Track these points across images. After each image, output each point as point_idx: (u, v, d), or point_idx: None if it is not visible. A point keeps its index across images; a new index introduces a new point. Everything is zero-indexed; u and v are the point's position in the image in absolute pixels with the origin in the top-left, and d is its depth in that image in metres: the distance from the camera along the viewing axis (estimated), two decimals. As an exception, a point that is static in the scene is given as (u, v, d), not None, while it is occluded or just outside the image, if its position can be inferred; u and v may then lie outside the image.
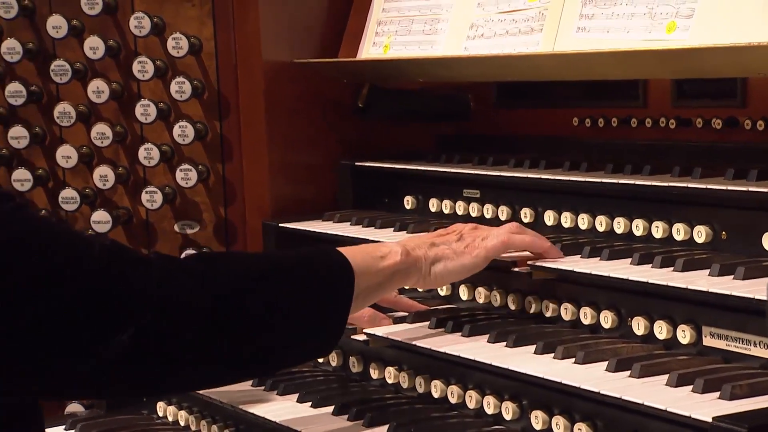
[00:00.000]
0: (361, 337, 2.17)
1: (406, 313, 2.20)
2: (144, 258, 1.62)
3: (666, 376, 1.74)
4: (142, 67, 2.83)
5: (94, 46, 2.83)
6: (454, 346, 2.02)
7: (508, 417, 1.97)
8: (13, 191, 2.88)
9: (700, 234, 2.04)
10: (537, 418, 1.90)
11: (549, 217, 2.33)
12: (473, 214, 2.51)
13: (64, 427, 2.47)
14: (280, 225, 2.76)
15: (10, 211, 1.46)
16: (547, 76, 2.46)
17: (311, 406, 2.17)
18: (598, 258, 2.07)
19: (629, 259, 2.02)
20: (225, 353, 1.65)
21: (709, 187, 2.02)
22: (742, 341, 1.82)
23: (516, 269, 2.10)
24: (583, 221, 2.26)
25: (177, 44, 2.80)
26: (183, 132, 2.83)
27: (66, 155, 2.88)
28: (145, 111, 2.84)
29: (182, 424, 2.41)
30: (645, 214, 2.15)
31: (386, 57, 2.73)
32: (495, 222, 2.43)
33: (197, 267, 1.66)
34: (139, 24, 2.81)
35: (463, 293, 2.29)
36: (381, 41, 2.78)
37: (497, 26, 2.47)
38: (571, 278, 2.06)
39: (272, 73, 2.81)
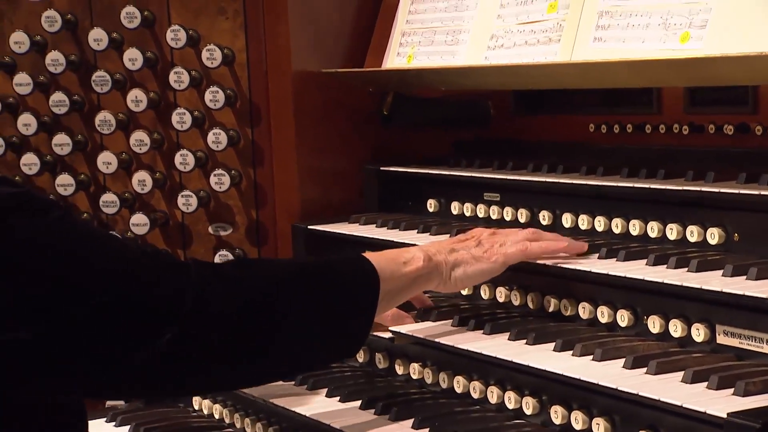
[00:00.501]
0: (387, 335, 2.16)
1: (427, 310, 2.19)
2: (182, 264, 1.61)
3: (681, 373, 1.72)
4: (178, 78, 2.83)
5: (132, 58, 2.84)
6: (477, 343, 2.01)
7: (528, 412, 1.95)
8: (56, 197, 2.89)
9: (713, 236, 2.02)
10: (556, 413, 1.88)
11: (567, 220, 2.31)
12: (494, 217, 2.49)
13: (105, 419, 2.48)
14: (309, 227, 2.75)
15: (57, 221, 1.46)
16: (564, 84, 2.44)
17: (339, 401, 2.16)
18: (615, 259, 2.05)
19: (645, 260, 2.00)
20: (257, 356, 1.64)
21: (722, 190, 1.99)
22: (755, 339, 1.79)
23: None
24: (600, 223, 2.24)
25: (211, 55, 2.80)
26: (217, 139, 2.83)
27: (106, 161, 2.89)
28: (181, 119, 2.84)
29: (217, 417, 2.41)
30: (660, 217, 2.12)
31: (410, 67, 2.72)
32: (515, 224, 2.41)
33: (231, 273, 1.65)
34: (176, 36, 2.81)
35: (484, 292, 2.28)
36: (405, 52, 2.77)
37: (517, 37, 2.46)
38: (589, 278, 2.03)
39: (301, 83, 2.80)
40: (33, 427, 1.52)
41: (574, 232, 2.28)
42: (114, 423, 2.44)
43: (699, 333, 1.85)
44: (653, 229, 2.13)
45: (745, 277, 1.82)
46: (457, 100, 2.92)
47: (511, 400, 1.98)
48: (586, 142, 2.62)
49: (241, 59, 2.84)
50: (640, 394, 1.68)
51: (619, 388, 1.71)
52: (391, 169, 2.79)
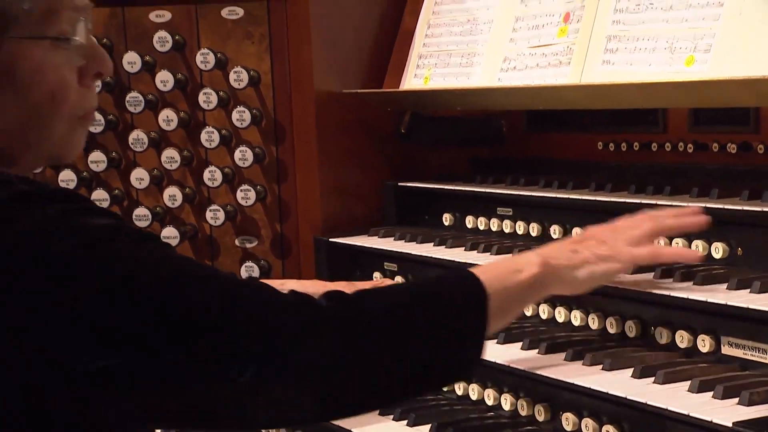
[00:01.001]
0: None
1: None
2: (280, 300, 1.42)
3: (688, 383, 1.71)
4: (207, 98, 2.84)
5: (164, 80, 2.85)
6: (491, 352, 2.00)
7: (540, 419, 1.94)
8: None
9: (718, 250, 2.00)
10: (567, 420, 1.87)
11: (576, 234, 2.30)
12: (506, 231, 2.48)
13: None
14: (330, 239, 2.75)
15: (155, 250, 1.35)
16: (574, 105, 2.43)
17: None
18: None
19: (652, 274, 1.98)
20: (367, 389, 1.48)
21: (726, 207, 1.98)
22: (759, 350, 1.78)
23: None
24: (608, 238, 2.23)
25: (238, 77, 2.81)
26: (243, 156, 2.84)
27: (139, 177, 2.90)
28: (210, 137, 2.85)
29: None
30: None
31: (427, 88, 2.72)
32: (527, 238, 2.41)
33: (333, 317, 1.44)
34: (205, 59, 2.82)
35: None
36: (422, 73, 2.77)
37: (528, 60, 2.45)
38: (598, 290, 2.02)
39: (323, 103, 2.81)
40: None
41: (584, 245, 2.27)
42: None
43: (704, 344, 1.84)
44: (660, 244, 2.11)
45: (748, 290, 1.80)
46: (472, 119, 2.92)
47: (524, 407, 1.97)
48: (595, 159, 2.61)
49: (267, 81, 2.85)
50: (648, 402, 1.67)
51: (628, 397, 1.70)
52: (409, 184, 2.79)
